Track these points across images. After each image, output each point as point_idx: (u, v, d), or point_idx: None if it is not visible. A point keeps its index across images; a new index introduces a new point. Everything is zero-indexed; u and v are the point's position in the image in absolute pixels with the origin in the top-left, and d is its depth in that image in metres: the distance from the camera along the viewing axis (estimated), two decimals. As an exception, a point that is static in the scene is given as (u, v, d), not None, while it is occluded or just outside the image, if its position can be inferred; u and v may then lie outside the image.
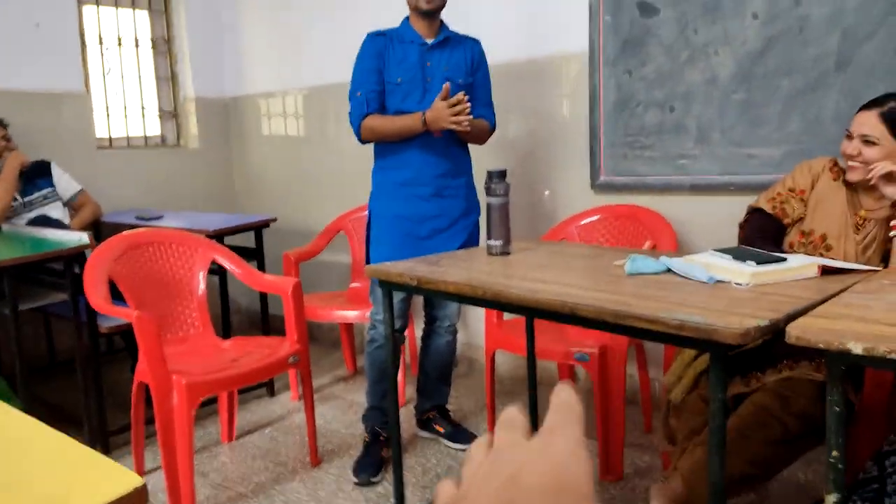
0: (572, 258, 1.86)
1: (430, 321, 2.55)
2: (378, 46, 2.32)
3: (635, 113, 2.68)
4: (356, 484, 2.29)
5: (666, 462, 2.15)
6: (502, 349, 2.58)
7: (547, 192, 2.97)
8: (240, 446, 2.61)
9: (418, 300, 2.85)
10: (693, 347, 1.22)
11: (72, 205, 3.19)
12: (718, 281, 1.45)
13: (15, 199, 2.99)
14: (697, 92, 2.51)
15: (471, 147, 2.47)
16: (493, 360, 2.58)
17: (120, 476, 0.69)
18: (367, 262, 2.41)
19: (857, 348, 1.04)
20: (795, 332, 1.11)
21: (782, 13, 2.29)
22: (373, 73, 2.31)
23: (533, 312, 1.50)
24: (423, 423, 2.63)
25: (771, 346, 1.60)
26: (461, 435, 2.54)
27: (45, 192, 3.10)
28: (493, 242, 1.93)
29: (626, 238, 2.65)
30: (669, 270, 1.58)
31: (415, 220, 2.34)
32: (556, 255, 1.91)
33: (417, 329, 2.79)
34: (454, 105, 2.13)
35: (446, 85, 2.15)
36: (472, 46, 2.39)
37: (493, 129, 2.43)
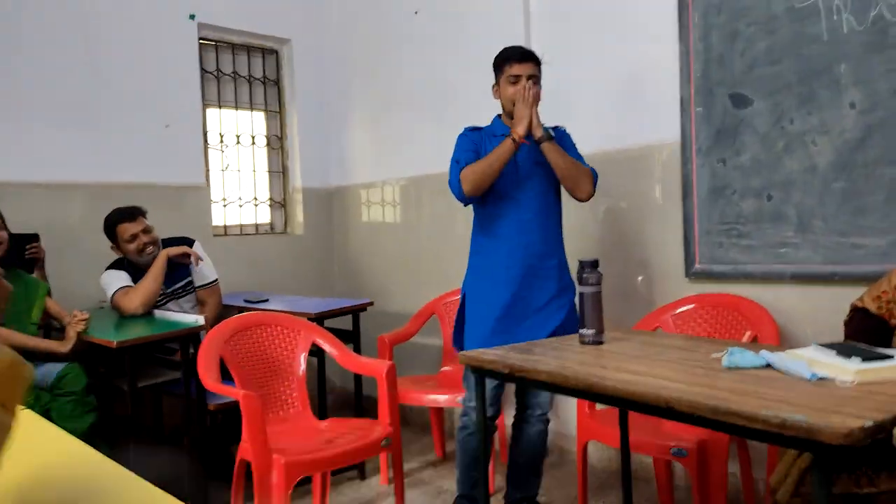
0: (667, 349, 1.84)
1: (522, 409, 2.53)
2: (473, 138, 2.48)
3: (731, 201, 2.66)
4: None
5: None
6: (595, 440, 2.53)
7: (640, 279, 2.96)
8: (332, 528, 2.65)
9: (510, 387, 2.85)
10: (795, 447, 1.18)
11: (200, 291, 3.21)
12: (821, 378, 1.40)
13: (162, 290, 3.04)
14: (796, 180, 2.47)
15: (564, 232, 2.51)
16: (584, 452, 2.53)
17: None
18: (460, 345, 2.46)
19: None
20: (906, 435, 1.06)
21: (882, 102, 2.26)
22: (471, 151, 2.43)
23: (627, 405, 1.49)
24: (514, 513, 2.58)
25: (883, 443, 1.51)
26: (553, 528, 2.48)
27: (185, 281, 3.17)
28: (585, 332, 1.94)
29: (724, 328, 2.58)
30: (769, 365, 1.54)
31: (507, 303, 2.38)
32: (650, 346, 1.90)
33: (508, 417, 2.78)
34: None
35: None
36: (553, 129, 2.47)
37: (594, 174, 2.44)
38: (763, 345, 1.91)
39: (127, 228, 3.02)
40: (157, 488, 0.91)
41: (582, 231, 3.08)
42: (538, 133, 2.32)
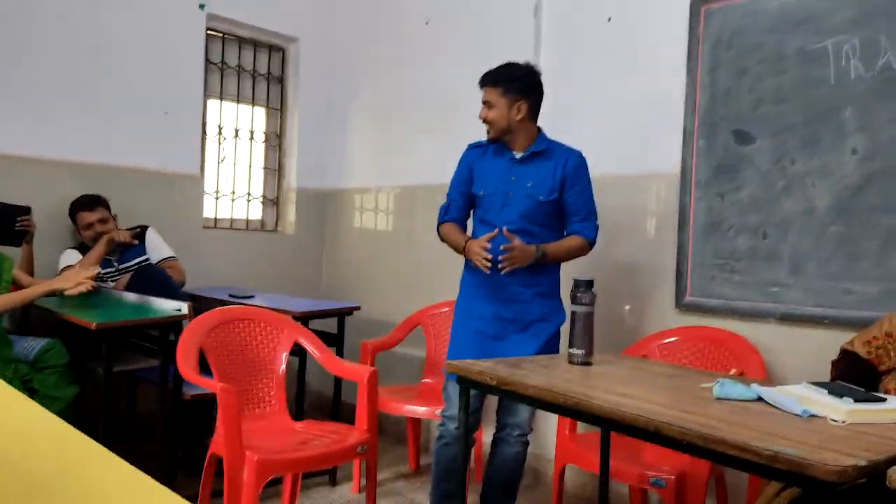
0: (656, 376, 1.83)
1: (501, 428, 2.49)
2: (471, 158, 2.49)
3: (726, 236, 2.66)
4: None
5: None
6: (573, 464, 2.50)
7: (628, 307, 2.95)
8: (298, 533, 2.59)
9: (490, 406, 2.81)
10: (785, 481, 1.17)
11: (161, 264, 3.29)
12: (812, 415, 1.39)
13: (112, 265, 3.17)
14: (793, 221, 2.48)
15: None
16: (562, 475, 2.50)
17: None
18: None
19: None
20: (898, 476, 1.05)
21: (883, 150, 2.28)
22: (461, 184, 2.48)
23: (615, 427, 1.47)
24: (485, 533, 2.54)
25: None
26: (522, 551, 2.43)
27: (140, 259, 3.25)
28: (575, 351, 1.92)
29: (711, 362, 2.57)
30: (760, 399, 1.53)
31: (487, 320, 2.38)
32: (639, 371, 1.88)
33: (487, 435, 2.74)
34: (498, 248, 2.21)
35: (504, 229, 2.25)
36: (566, 159, 2.40)
37: (591, 241, 2.43)
38: (752, 378, 1.90)
39: (84, 217, 3.17)
40: (132, 467, 0.87)
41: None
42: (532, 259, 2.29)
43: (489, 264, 2.22)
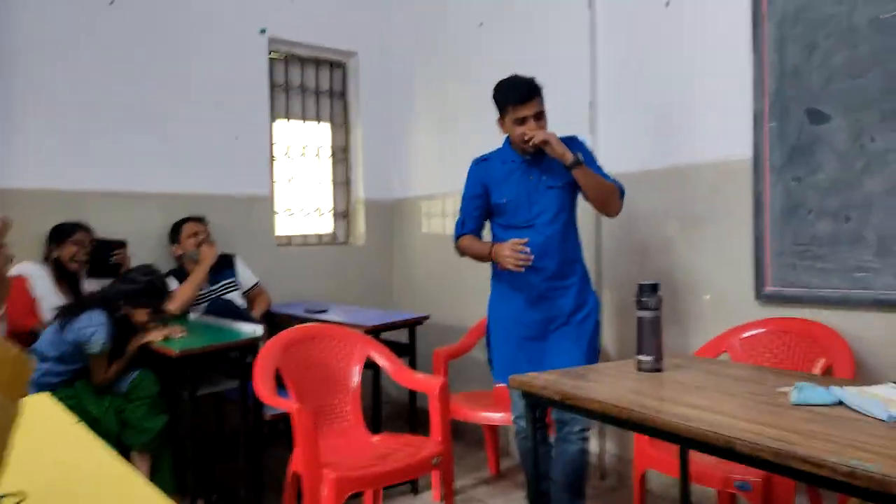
0: (731, 380, 1.75)
1: (560, 426, 2.47)
2: (479, 173, 2.55)
3: (806, 221, 2.52)
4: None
5: None
6: (654, 469, 2.43)
7: (707, 298, 2.83)
8: (382, 544, 2.63)
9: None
10: (864, 499, 1.09)
11: (247, 294, 3.54)
12: (900, 421, 1.30)
13: (202, 288, 3.34)
14: (877, 202, 2.32)
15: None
16: (643, 480, 2.43)
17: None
18: (489, 361, 2.58)
19: None
20: None
21: (976, 119, 2.10)
22: (473, 199, 2.54)
23: (684, 442, 1.42)
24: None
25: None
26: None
27: (227, 281, 3.45)
28: (643, 358, 1.87)
29: (797, 356, 2.44)
30: (841, 403, 1.44)
31: (524, 323, 2.45)
32: (712, 376, 1.81)
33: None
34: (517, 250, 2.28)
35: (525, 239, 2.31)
36: (567, 145, 2.41)
37: (621, 188, 2.43)
38: (836, 379, 1.80)
39: (191, 227, 3.40)
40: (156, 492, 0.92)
41: (645, 251, 2.98)
42: (569, 158, 2.29)
43: (525, 261, 2.27)
